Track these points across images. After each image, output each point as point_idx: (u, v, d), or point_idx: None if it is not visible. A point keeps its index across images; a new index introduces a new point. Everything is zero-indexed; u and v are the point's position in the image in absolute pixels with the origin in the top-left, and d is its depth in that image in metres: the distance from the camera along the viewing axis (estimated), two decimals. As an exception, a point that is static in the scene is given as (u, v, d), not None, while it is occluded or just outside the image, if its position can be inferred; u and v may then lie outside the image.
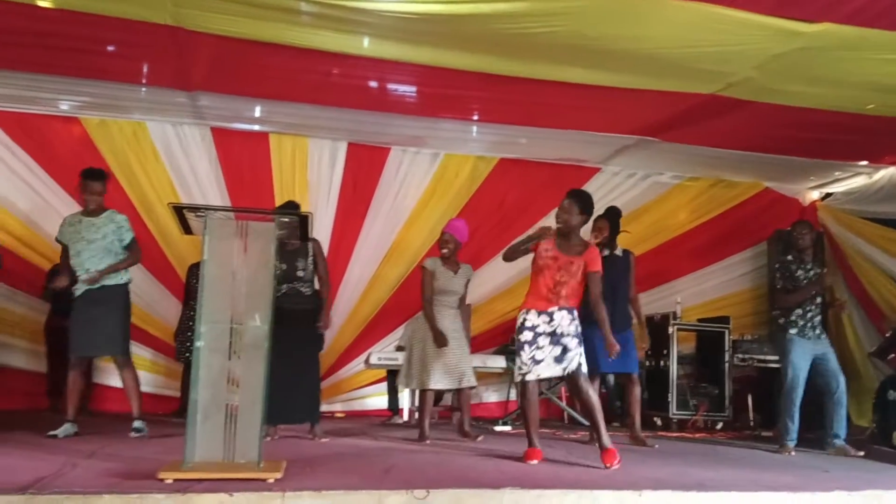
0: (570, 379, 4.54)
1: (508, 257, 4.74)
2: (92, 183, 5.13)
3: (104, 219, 5.13)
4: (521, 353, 4.50)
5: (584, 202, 4.60)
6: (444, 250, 5.62)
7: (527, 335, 4.50)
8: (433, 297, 5.57)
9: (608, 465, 4.22)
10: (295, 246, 5.31)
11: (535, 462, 4.35)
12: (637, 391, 5.78)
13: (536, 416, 4.63)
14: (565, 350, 4.46)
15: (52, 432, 4.83)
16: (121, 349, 5.08)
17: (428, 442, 5.34)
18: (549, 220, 8.13)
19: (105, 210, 5.17)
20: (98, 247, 5.05)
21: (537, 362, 4.47)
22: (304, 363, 5.29)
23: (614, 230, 5.74)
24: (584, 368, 4.51)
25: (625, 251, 5.82)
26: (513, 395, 7.63)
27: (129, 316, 5.19)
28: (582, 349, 4.51)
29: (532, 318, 4.52)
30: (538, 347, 4.48)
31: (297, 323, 5.18)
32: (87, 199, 5.12)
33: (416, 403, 7.05)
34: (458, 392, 5.73)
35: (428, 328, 5.52)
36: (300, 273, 5.32)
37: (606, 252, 5.63)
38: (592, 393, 4.60)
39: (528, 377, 4.49)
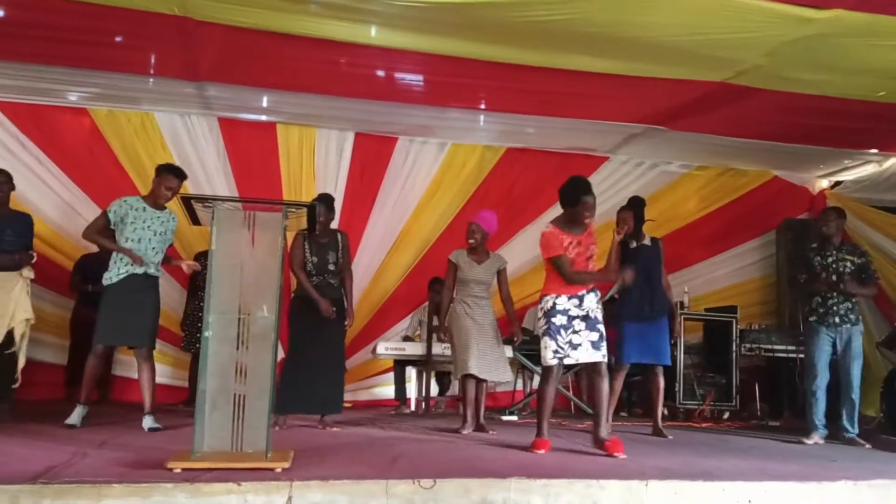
0: (597, 366, 4.48)
1: (578, 283, 4.52)
2: (174, 179, 5.05)
3: (167, 214, 5.11)
4: (557, 336, 4.41)
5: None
6: (471, 241, 5.63)
7: (561, 318, 4.44)
8: (458, 288, 5.60)
9: (617, 454, 4.21)
10: (326, 239, 5.39)
11: (541, 452, 4.33)
12: (661, 382, 5.69)
13: (552, 404, 4.59)
14: (602, 337, 4.47)
15: (68, 421, 4.83)
16: (149, 342, 5.02)
17: (466, 431, 5.32)
18: (558, 210, 8.20)
19: (165, 207, 5.14)
20: (161, 241, 5.05)
21: (575, 347, 4.42)
22: (332, 354, 5.40)
23: (639, 220, 5.59)
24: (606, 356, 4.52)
25: (653, 239, 5.70)
26: (519, 385, 7.64)
27: (159, 310, 5.14)
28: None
29: (562, 302, 4.47)
30: (575, 331, 4.44)
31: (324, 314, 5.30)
32: (162, 195, 5.02)
33: (422, 393, 7.09)
34: (476, 384, 5.70)
35: (466, 317, 5.51)
36: (331, 266, 5.42)
37: (634, 243, 5.54)
38: (606, 382, 4.55)
39: (567, 361, 4.45)
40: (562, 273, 4.46)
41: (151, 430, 4.88)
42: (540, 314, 4.56)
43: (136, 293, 4.93)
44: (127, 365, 6.81)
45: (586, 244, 4.53)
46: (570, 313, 4.46)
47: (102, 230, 4.99)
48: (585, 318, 4.47)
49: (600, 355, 4.45)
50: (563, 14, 4.67)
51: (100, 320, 4.94)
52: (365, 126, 7.32)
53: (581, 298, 4.48)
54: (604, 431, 4.46)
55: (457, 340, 5.55)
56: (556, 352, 4.42)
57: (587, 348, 4.43)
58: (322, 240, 5.41)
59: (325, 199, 5.49)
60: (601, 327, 4.49)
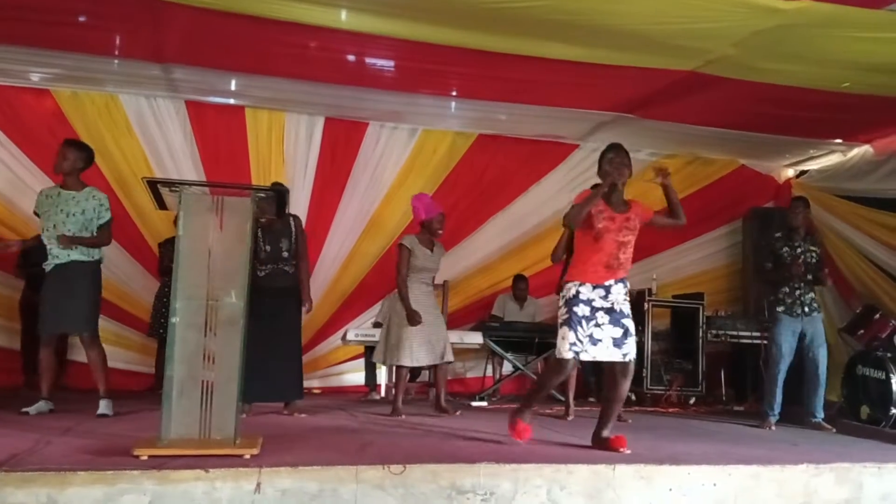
0: (623, 366, 4.11)
1: (575, 222, 4.04)
2: (64, 149, 5.01)
3: (85, 194, 5.01)
4: (578, 328, 3.99)
5: (629, 155, 4.20)
6: (441, 231, 5.66)
7: (583, 309, 4.02)
8: (409, 275, 5.57)
9: (622, 449, 3.96)
10: (279, 226, 5.31)
11: (522, 442, 4.12)
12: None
13: (549, 391, 4.32)
14: (626, 333, 4.06)
15: (25, 409, 4.79)
16: (87, 327, 4.96)
17: (402, 417, 5.36)
18: (529, 197, 8.14)
19: (86, 186, 5.06)
20: (76, 221, 4.93)
21: (595, 342, 4.01)
22: (288, 342, 5.34)
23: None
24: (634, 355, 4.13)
25: None
26: (489, 371, 7.67)
27: (98, 294, 5.08)
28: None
29: (586, 292, 4.05)
30: (597, 325, 4.02)
31: (281, 302, 5.25)
32: (58, 164, 4.97)
33: (392, 379, 7.09)
34: (435, 368, 5.76)
35: (417, 305, 5.52)
36: (284, 254, 5.37)
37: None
38: (629, 383, 4.20)
39: (583, 356, 4.03)
40: (566, 215, 4.07)
41: (101, 415, 4.82)
42: (561, 303, 4.15)
43: (68, 280, 4.90)
44: (82, 349, 6.71)
45: (620, 224, 4.08)
46: (595, 304, 4.04)
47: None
48: (610, 310, 4.05)
49: (620, 354, 4.04)
50: (532, 1, 4.65)
51: (40, 310, 4.97)
52: (335, 111, 7.26)
53: (608, 289, 4.07)
54: (608, 430, 4.15)
55: (394, 329, 5.57)
56: (573, 344, 3.99)
57: (608, 346, 4.02)
58: (275, 226, 5.32)
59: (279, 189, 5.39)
60: (627, 322, 4.07)
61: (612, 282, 4.09)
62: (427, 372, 6.78)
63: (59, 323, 4.94)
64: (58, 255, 4.91)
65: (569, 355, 4.02)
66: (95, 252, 5.04)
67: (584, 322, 4.02)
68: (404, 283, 5.56)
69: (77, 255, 4.93)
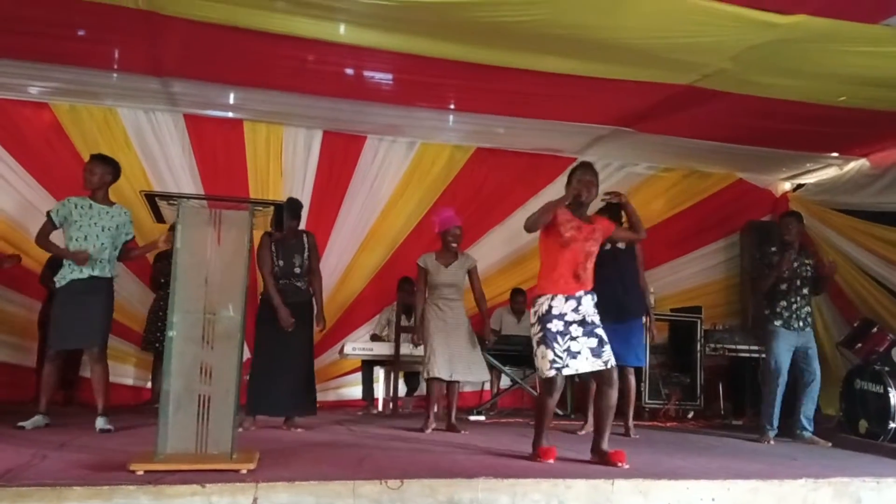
0: (605, 374, 4.14)
1: (535, 226, 4.19)
2: (90, 164, 5.02)
3: (117, 209, 5.03)
4: (554, 344, 4.04)
5: (597, 173, 4.35)
6: (454, 244, 5.68)
7: (557, 324, 4.07)
8: (429, 292, 5.63)
9: (620, 463, 3.96)
10: (293, 241, 5.36)
11: (552, 461, 4.05)
12: (633, 382, 5.73)
13: (552, 412, 4.27)
14: (601, 342, 4.11)
15: (20, 423, 4.75)
16: (98, 341, 4.92)
17: (430, 431, 5.35)
18: (527, 210, 8.17)
19: (114, 203, 5.06)
20: (109, 236, 4.95)
21: (574, 355, 4.05)
22: (298, 357, 5.35)
23: (616, 223, 5.59)
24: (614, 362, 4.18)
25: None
26: (486, 384, 7.65)
27: (111, 311, 5.05)
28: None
29: (559, 305, 4.11)
30: (572, 338, 4.07)
31: (292, 317, 5.27)
32: (87, 180, 4.98)
33: (389, 393, 7.06)
34: (447, 385, 5.71)
35: (437, 319, 5.55)
36: (297, 269, 5.41)
37: (609, 246, 5.40)
38: (615, 391, 4.22)
39: (565, 371, 4.06)
40: (528, 219, 4.19)
41: (102, 431, 4.79)
42: (533, 319, 4.20)
43: (82, 295, 4.87)
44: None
45: (587, 234, 4.20)
46: (567, 318, 4.10)
47: (49, 234, 4.98)
48: (582, 322, 4.11)
49: (601, 363, 4.08)
50: (529, 15, 4.68)
51: (50, 325, 4.94)
52: (333, 124, 7.27)
53: (578, 300, 4.13)
54: (605, 442, 4.15)
55: (427, 343, 5.57)
56: (553, 362, 4.04)
57: (587, 356, 4.07)
58: (289, 241, 5.38)
59: (291, 205, 5.40)
60: (600, 332, 4.12)
61: (581, 293, 4.16)
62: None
63: (72, 338, 4.90)
64: (74, 270, 4.89)
65: (551, 373, 4.06)
66: (112, 269, 5.02)
67: (559, 337, 4.07)
68: (421, 301, 5.64)
69: (97, 271, 4.92)
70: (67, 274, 4.89)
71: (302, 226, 5.77)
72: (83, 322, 4.85)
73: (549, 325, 4.08)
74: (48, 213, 5.03)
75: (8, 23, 5.18)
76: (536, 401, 4.61)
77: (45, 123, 6.82)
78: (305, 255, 5.45)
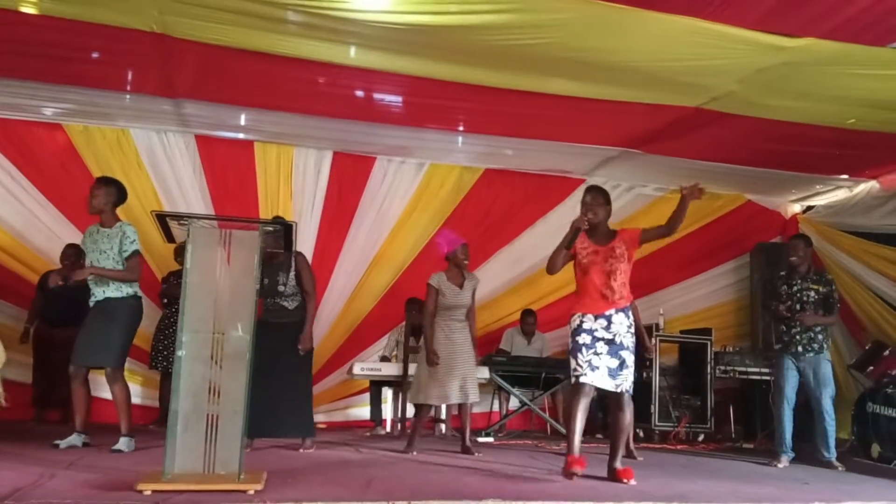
0: (616, 397, 4.34)
1: (552, 268, 4.44)
2: (92, 188, 5.07)
3: (116, 229, 5.05)
4: (578, 355, 4.25)
5: (606, 193, 4.52)
6: (466, 261, 5.66)
7: (584, 338, 4.28)
8: (438, 313, 5.55)
9: (627, 479, 4.12)
10: (280, 260, 5.30)
11: (578, 470, 4.09)
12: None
13: (583, 420, 4.30)
14: (622, 365, 4.27)
15: (57, 441, 4.81)
16: (112, 361, 4.92)
17: (414, 454, 5.31)
18: (536, 231, 8.15)
19: (119, 221, 5.10)
20: (108, 257, 4.97)
21: (594, 368, 4.23)
22: (289, 377, 5.24)
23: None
24: (632, 389, 4.35)
25: None
26: (496, 406, 7.63)
27: (129, 331, 5.05)
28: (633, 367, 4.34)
29: (589, 322, 4.31)
30: (596, 353, 4.25)
31: (279, 337, 5.17)
32: (91, 205, 5.05)
33: (398, 414, 7.04)
34: (459, 407, 5.67)
35: (448, 341, 5.51)
36: (280, 287, 5.30)
37: None
38: (630, 416, 4.49)
39: (583, 380, 4.24)
40: (547, 264, 4.44)
41: (114, 451, 4.76)
42: (569, 333, 4.45)
43: (101, 314, 4.94)
44: (98, 384, 6.68)
45: (605, 255, 4.36)
46: (597, 334, 4.28)
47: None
48: (611, 342, 4.27)
49: (613, 385, 4.25)
50: (537, 39, 4.72)
51: (74, 345, 5.01)
52: (343, 145, 7.32)
53: (609, 319, 4.29)
54: (617, 461, 4.31)
55: (420, 367, 5.56)
56: (574, 370, 4.28)
57: (604, 374, 4.23)
58: (274, 260, 5.26)
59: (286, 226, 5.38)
60: (625, 354, 4.27)
61: (612, 311, 4.33)
62: (434, 407, 6.71)
63: (86, 356, 4.94)
64: (95, 293, 4.99)
65: (573, 380, 4.31)
66: (127, 287, 5.01)
67: (584, 349, 4.28)
68: (430, 322, 5.55)
69: (111, 291, 4.96)
70: (92, 297, 5.01)
71: (310, 246, 5.74)
72: (98, 342, 4.89)
73: (577, 338, 4.32)
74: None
75: (24, 45, 5.26)
76: (564, 408, 4.73)
77: (58, 144, 6.90)
78: (291, 273, 5.33)
